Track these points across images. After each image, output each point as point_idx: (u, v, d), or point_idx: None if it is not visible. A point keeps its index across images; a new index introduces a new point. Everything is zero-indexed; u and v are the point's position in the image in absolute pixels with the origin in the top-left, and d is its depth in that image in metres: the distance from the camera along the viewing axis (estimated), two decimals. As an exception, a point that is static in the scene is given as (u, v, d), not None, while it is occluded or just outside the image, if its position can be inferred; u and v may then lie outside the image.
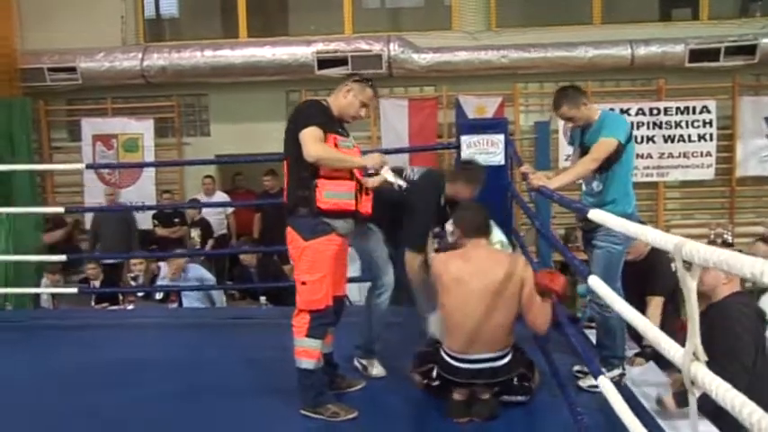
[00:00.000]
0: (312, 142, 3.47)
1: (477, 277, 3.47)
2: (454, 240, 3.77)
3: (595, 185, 4.01)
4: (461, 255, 3.62)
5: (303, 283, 3.56)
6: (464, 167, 4.65)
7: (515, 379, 3.56)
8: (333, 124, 3.64)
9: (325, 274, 3.55)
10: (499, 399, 3.54)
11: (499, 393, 3.53)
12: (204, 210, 9.65)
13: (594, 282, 2.96)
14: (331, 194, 3.53)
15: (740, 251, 1.61)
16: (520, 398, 3.58)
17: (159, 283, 7.58)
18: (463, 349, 3.47)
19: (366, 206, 3.72)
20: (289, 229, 3.62)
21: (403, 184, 3.82)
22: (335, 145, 3.57)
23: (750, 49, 9.73)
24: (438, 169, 4.49)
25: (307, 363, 3.56)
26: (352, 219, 3.67)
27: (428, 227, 4.31)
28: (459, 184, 4.32)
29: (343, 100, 3.71)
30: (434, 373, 3.57)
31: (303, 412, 3.56)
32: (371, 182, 3.77)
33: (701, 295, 3.64)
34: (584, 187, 4.16)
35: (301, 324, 3.55)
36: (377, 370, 4.20)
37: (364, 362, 4.24)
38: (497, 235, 4.27)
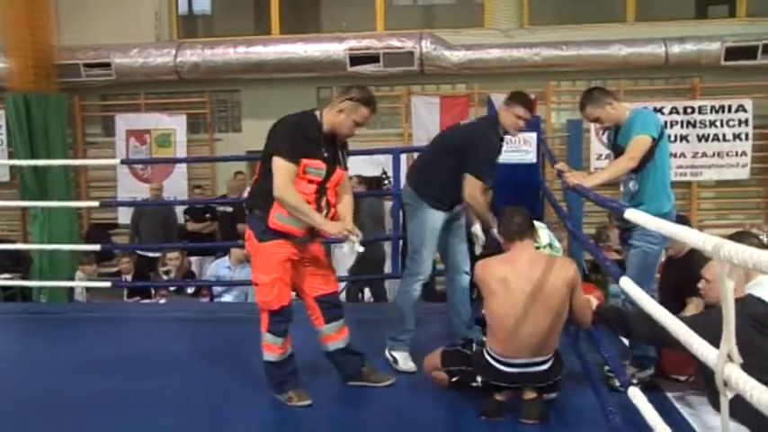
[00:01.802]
0: (283, 182, 3.52)
1: (523, 281, 3.41)
2: (501, 245, 3.74)
3: (632, 185, 3.99)
4: (505, 258, 3.57)
5: (257, 284, 3.68)
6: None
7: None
8: (312, 146, 3.61)
9: (276, 277, 3.63)
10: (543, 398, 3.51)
11: (541, 392, 3.51)
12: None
13: (625, 282, 2.94)
14: (282, 218, 3.58)
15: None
16: (553, 395, 3.57)
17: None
18: (511, 353, 3.41)
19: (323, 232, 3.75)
20: (246, 228, 3.76)
21: (358, 250, 3.71)
22: (303, 172, 3.57)
23: (788, 47, 9.57)
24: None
25: (268, 356, 3.72)
26: (305, 239, 3.72)
27: (490, 157, 4.31)
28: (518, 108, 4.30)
29: (335, 118, 3.67)
30: (479, 379, 3.52)
31: (274, 395, 3.75)
32: (333, 235, 3.76)
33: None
34: (621, 188, 4.13)
35: (263, 321, 3.69)
36: (407, 365, 4.21)
37: (395, 354, 4.27)
38: (545, 237, 4.21)
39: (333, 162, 3.70)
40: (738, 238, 4.32)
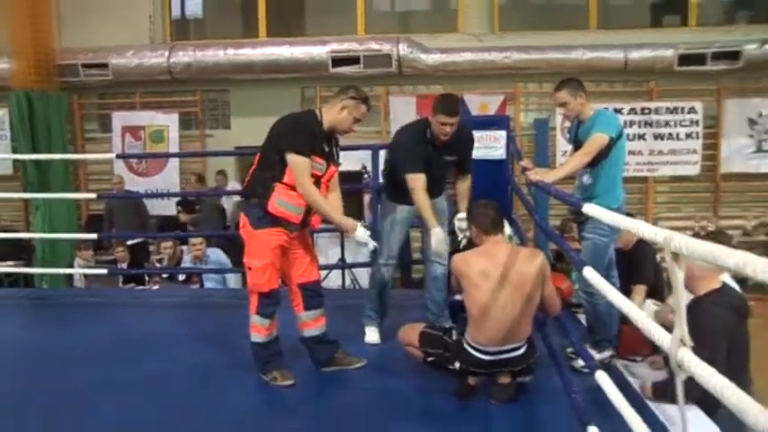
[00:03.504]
0: (306, 178, 3.57)
1: (502, 273, 3.36)
2: (472, 237, 3.69)
3: (586, 179, 4.00)
4: (483, 252, 3.51)
5: (249, 268, 3.69)
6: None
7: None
8: (316, 143, 3.65)
9: (268, 262, 3.65)
10: (516, 381, 3.51)
11: (515, 376, 3.50)
12: (222, 198, 9.79)
13: (588, 271, 2.95)
14: (282, 203, 3.60)
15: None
16: (527, 378, 3.56)
17: (183, 265, 7.61)
18: (493, 342, 3.38)
19: (317, 219, 3.77)
20: (242, 215, 3.76)
21: (372, 246, 3.80)
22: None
23: (734, 55, 9.73)
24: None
25: (255, 337, 3.73)
26: (298, 227, 3.72)
27: (417, 154, 4.15)
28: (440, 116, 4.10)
29: (337, 115, 3.69)
30: (456, 365, 3.48)
31: (258, 375, 3.76)
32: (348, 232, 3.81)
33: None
34: (576, 181, 4.15)
35: (252, 303, 3.70)
36: (369, 338, 4.37)
37: (364, 326, 4.42)
38: (507, 229, 4.20)
39: (329, 158, 3.73)
40: (714, 237, 4.36)
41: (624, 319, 3.26)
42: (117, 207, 9.34)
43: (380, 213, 4.49)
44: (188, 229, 9.05)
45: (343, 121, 3.70)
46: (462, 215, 4.23)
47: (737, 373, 3.22)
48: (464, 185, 4.46)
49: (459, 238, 4.30)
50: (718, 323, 3.30)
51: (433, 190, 4.29)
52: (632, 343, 3.96)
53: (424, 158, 4.15)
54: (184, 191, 10.35)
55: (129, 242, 8.57)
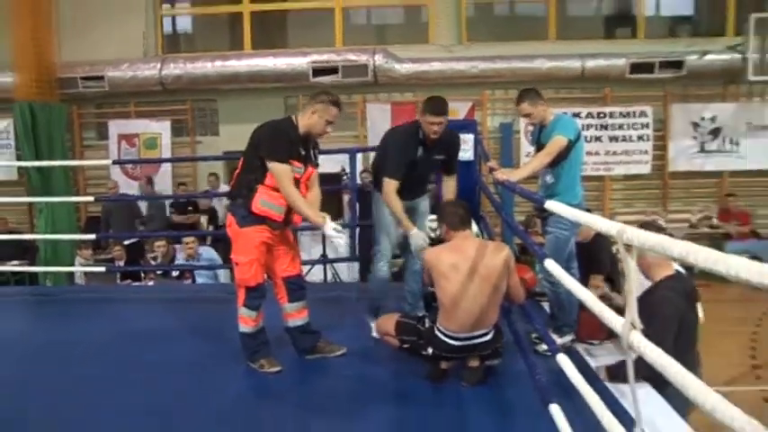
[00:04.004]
0: (287, 182, 3.54)
1: (471, 265, 3.36)
2: (442, 234, 3.66)
3: (548, 179, 4.01)
4: (452, 246, 3.50)
5: (236, 264, 3.68)
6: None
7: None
8: (294, 148, 3.62)
9: (253, 258, 3.64)
10: (485, 365, 3.51)
11: (484, 360, 3.50)
12: (214, 200, 9.74)
13: (550, 263, 2.96)
14: (265, 203, 3.60)
15: (671, 235, 1.62)
16: (496, 361, 3.56)
17: (177, 262, 7.56)
18: (463, 329, 3.38)
19: (299, 218, 3.72)
20: (228, 214, 3.75)
21: (339, 241, 3.66)
22: None
23: (678, 65, 9.93)
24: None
25: (243, 327, 3.72)
26: (281, 225, 3.70)
27: (401, 156, 4.05)
28: (427, 116, 4.01)
29: (309, 120, 3.66)
30: (429, 350, 3.47)
31: (247, 363, 3.74)
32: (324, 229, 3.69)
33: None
34: (539, 180, 4.16)
35: (239, 296, 3.69)
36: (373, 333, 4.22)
37: (370, 323, 4.24)
38: (474, 226, 4.19)
39: (306, 161, 3.70)
40: (645, 226, 4.39)
41: (582, 306, 3.27)
42: (113, 209, 9.34)
43: (373, 210, 4.32)
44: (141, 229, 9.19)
45: (316, 125, 3.66)
46: (434, 216, 4.18)
47: (685, 352, 3.25)
48: (450, 184, 4.37)
49: (433, 237, 4.25)
50: (671, 309, 3.32)
51: (417, 191, 4.26)
52: (590, 328, 3.98)
53: (410, 162, 4.06)
54: (176, 193, 10.29)
55: (126, 242, 8.50)
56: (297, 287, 3.87)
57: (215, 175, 10.11)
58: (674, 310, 3.35)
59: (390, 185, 4.02)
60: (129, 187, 10.34)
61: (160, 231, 8.93)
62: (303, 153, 3.67)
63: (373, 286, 4.34)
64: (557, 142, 3.87)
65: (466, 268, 3.37)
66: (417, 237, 3.98)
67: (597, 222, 2.02)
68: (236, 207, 3.68)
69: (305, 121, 3.67)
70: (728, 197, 10.15)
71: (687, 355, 3.27)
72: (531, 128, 4.35)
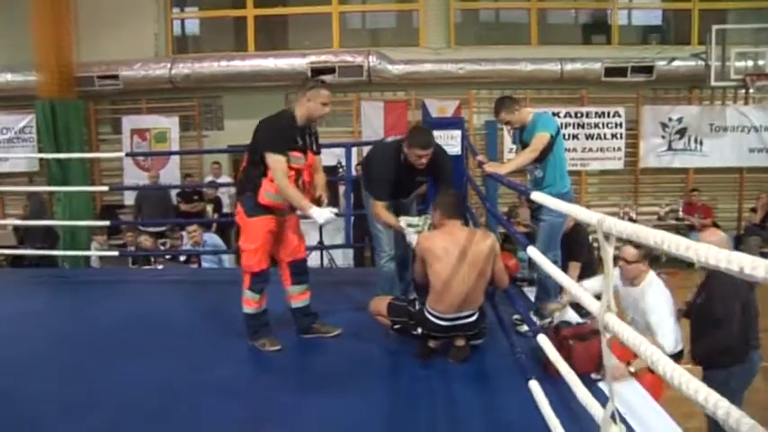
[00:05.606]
0: (281, 175, 3.50)
1: (461, 251, 3.36)
2: (435, 221, 3.62)
3: (537, 173, 3.99)
4: (444, 232, 3.49)
5: (243, 251, 3.68)
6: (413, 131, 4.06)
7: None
8: (293, 139, 3.58)
9: (259, 245, 3.63)
10: (470, 344, 3.51)
11: (469, 339, 3.51)
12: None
13: (531, 250, 2.95)
14: (270, 195, 3.57)
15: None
16: (480, 340, 3.56)
17: (183, 248, 7.53)
18: (451, 310, 3.38)
19: None
20: (237, 204, 3.75)
21: (322, 221, 3.56)
22: (288, 161, 3.53)
23: (649, 69, 9.94)
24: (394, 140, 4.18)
25: (247, 309, 3.72)
26: (287, 211, 3.69)
27: (384, 180, 3.90)
28: (415, 150, 3.76)
29: (305, 108, 3.61)
30: (418, 330, 3.47)
31: (249, 342, 3.73)
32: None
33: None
34: (529, 176, 4.13)
35: (245, 280, 3.68)
36: None
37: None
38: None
39: (306, 150, 3.67)
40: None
41: (575, 339, 3.17)
42: (146, 197, 9.41)
43: (366, 208, 4.13)
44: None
45: (314, 110, 3.60)
46: (408, 219, 3.93)
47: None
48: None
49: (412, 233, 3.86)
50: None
51: (404, 195, 4.11)
52: (584, 361, 3.08)
53: (394, 181, 3.89)
54: (185, 183, 10.26)
55: (152, 229, 8.53)
56: (300, 271, 3.86)
57: (218, 163, 10.13)
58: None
59: (377, 206, 3.90)
60: (140, 177, 10.29)
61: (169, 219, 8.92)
62: (301, 143, 3.63)
63: (380, 282, 4.15)
64: (540, 138, 3.85)
65: (456, 252, 3.37)
66: (410, 234, 3.78)
67: (579, 212, 2.01)
68: (244, 198, 3.66)
69: (302, 110, 3.62)
70: (693, 192, 10.18)
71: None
72: (509, 126, 4.28)
